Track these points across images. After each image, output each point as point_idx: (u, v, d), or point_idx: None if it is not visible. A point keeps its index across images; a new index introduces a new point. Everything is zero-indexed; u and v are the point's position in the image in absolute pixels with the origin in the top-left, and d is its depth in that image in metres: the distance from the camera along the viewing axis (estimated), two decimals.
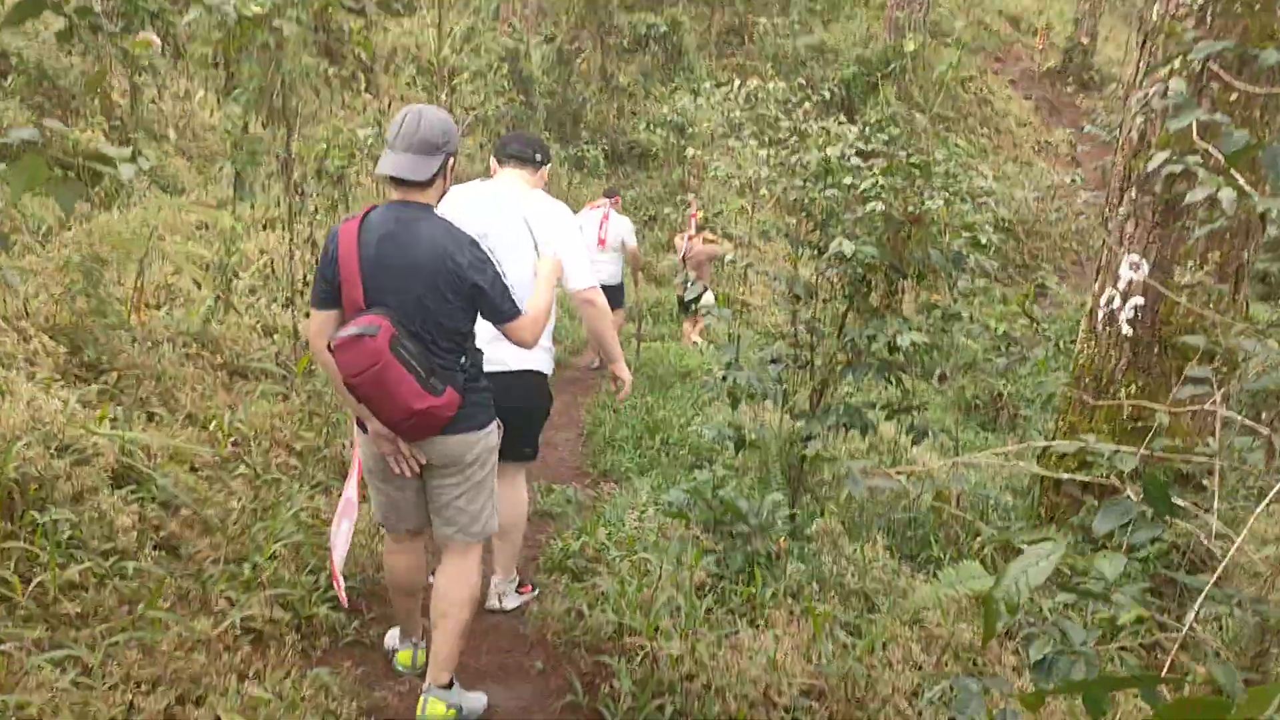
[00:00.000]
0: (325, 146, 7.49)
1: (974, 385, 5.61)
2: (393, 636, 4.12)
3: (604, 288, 4.95)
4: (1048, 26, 24.94)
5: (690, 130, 16.20)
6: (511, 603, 4.74)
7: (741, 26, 24.12)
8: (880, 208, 5.61)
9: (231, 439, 4.73)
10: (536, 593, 4.89)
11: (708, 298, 8.72)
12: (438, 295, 3.32)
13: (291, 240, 6.23)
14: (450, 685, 3.61)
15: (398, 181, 3.36)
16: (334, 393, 4.52)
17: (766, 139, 9.86)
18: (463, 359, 3.47)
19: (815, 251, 6.34)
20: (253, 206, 7.01)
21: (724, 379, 6.36)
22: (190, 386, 5.25)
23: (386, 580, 3.91)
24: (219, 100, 6.05)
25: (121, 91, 12.18)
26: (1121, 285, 5.87)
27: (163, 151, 11.97)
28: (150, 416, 4.74)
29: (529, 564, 5.21)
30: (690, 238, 11.42)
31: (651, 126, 17.26)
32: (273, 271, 7.46)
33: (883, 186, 5.72)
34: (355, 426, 3.59)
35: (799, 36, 21.94)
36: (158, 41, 8.51)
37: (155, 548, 3.79)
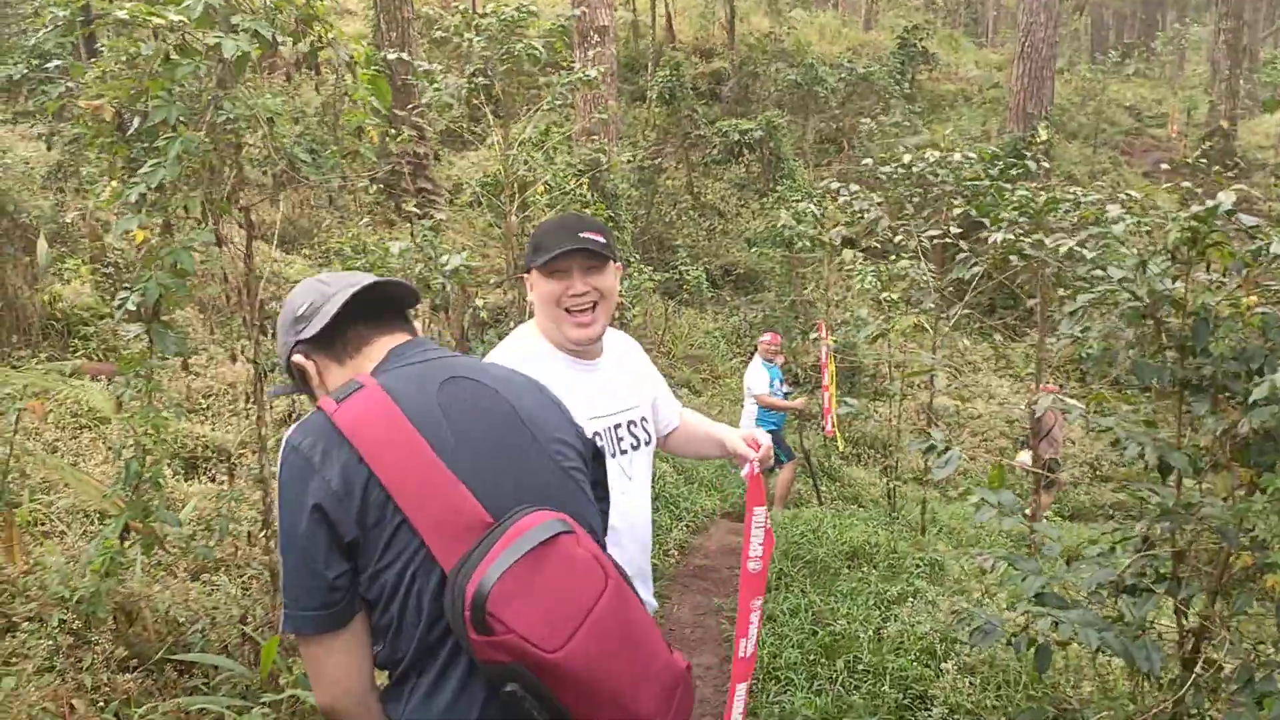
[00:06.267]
0: (342, 267, 4.91)
1: None
2: None
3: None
4: (1190, 106, 22.16)
5: (800, 244, 13.59)
6: None
7: (837, 133, 21.79)
8: None
9: None
10: None
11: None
12: (580, 469, 1.96)
13: (260, 418, 3.55)
14: None
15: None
16: None
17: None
18: None
19: (1178, 386, 3.54)
20: (189, 366, 4.41)
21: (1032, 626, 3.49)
22: None
23: None
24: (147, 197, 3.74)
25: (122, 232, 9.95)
26: None
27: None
28: None
29: None
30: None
31: (764, 241, 14.75)
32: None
33: None
34: None
35: (906, 136, 19.47)
36: None
37: None
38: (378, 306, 1.98)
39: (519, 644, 1.60)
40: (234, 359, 3.64)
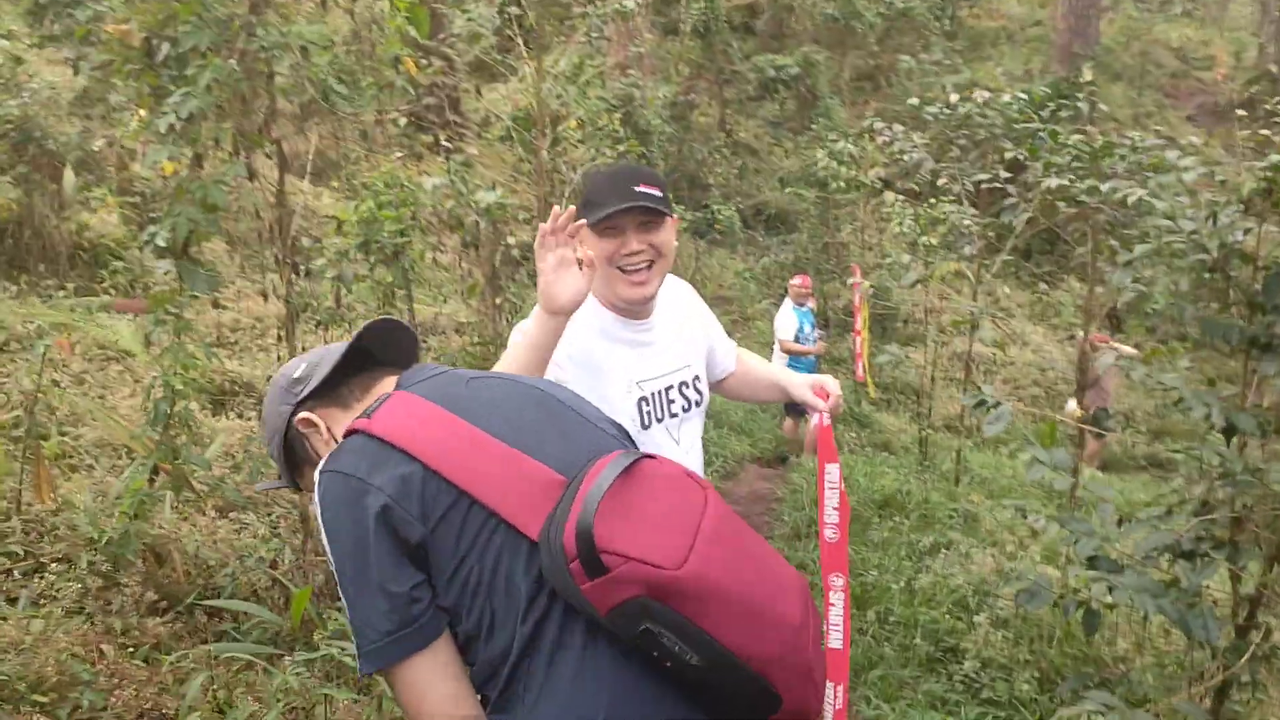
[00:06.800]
0: (375, 204, 4.78)
1: None
2: None
3: None
4: (1238, 48, 21.49)
5: (836, 185, 13.34)
6: None
7: (875, 71, 21.31)
8: None
9: None
10: None
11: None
12: (621, 438, 1.82)
13: (291, 354, 3.45)
14: None
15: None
16: None
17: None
18: None
19: (1245, 344, 3.38)
20: (218, 302, 4.30)
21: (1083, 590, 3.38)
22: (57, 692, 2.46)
23: None
24: (176, 128, 3.59)
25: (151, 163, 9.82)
26: None
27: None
28: None
29: None
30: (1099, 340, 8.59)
31: (797, 181, 14.48)
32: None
33: None
34: None
35: (946, 75, 19.02)
36: None
37: None
38: (380, 349, 1.85)
39: (638, 570, 1.43)
40: (265, 297, 3.54)
